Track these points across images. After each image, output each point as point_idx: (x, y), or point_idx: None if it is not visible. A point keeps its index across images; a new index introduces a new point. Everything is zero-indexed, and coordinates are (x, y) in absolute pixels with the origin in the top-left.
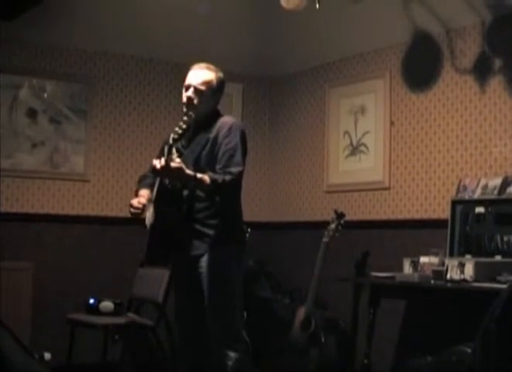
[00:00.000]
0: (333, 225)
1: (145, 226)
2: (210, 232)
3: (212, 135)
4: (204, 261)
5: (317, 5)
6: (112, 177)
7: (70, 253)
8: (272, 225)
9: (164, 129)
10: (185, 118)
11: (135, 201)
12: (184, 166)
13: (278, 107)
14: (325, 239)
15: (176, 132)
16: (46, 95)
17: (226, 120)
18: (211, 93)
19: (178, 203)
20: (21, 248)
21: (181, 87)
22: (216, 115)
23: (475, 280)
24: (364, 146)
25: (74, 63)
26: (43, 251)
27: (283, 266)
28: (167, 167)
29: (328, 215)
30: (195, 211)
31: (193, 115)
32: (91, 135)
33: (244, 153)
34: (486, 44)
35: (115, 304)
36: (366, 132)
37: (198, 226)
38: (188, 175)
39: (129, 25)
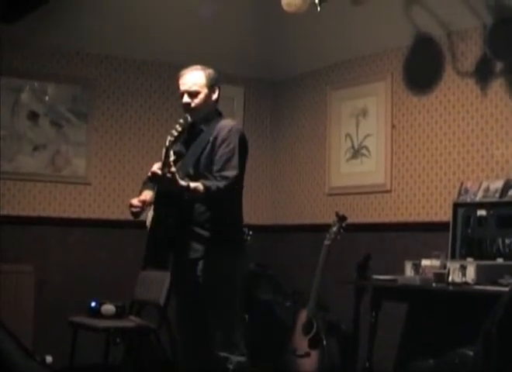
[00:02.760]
0: (334, 228)
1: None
2: (209, 235)
3: (211, 137)
4: (203, 264)
5: (318, 8)
6: (113, 180)
7: (72, 256)
8: (274, 227)
9: (166, 131)
10: (181, 120)
11: (134, 200)
12: (177, 176)
13: (280, 110)
14: (327, 242)
15: (172, 135)
16: (47, 98)
17: (225, 123)
18: (205, 94)
19: (176, 205)
20: (22, 251)
21: None
22: (217, 116)
23: (477, 283)
24: (366, 148)
25: (76, 66)
26: (44, 254)
27: (285, 269)
28: (162, 176)
29: (330, 218)
30: (194, 214)
31: (189, 118)
32: (93, 138)
33: (243, 157)
34: (487, 47)
35: (117, 307)
36: (368, 135)
37: (196, 229)
38: (180, 186)
39: (131, 29)
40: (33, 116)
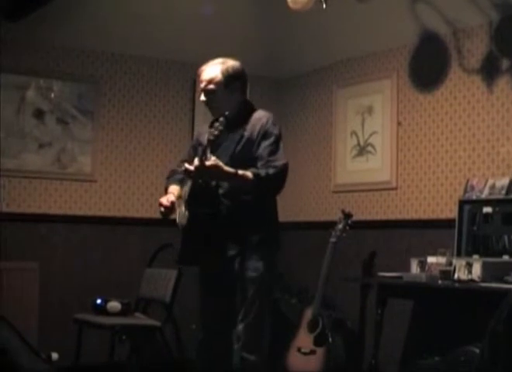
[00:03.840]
0: (340, 226)
1: (175, 225)
2: (247, 234)
3: (246, 133)
4: (239, 263)
5: (324, 6)
6: (119, 178)
7: (78, 254)
8: (279, 225)
9: (172, 129)
10: (221, 118)
11: (164, 200)
12: (220, 163)
13: (286, 107)
14: (332, 239)
15: (212, 134)
16: (53, 96)
17: (259, 115)
18: (223, 88)
19: (212, 203)
20: (28, 248)
21: (189, 87)
22: (248, 109)
23: (483, 280)
24: (372, 146)
25: (81, 63)
26: (49, 251)
27: (290, 267)
28: (202, 166)
29: (335, 215)
30: (230, 211)
31: (229, 115)
32: (99, 135)
33: (283, 145)
34: (493, 44)
35: (123, 305)
36: (373, 133)
37: (234, 228)
38: (227, 172)
39: (136, 26)
40: (39, 114)
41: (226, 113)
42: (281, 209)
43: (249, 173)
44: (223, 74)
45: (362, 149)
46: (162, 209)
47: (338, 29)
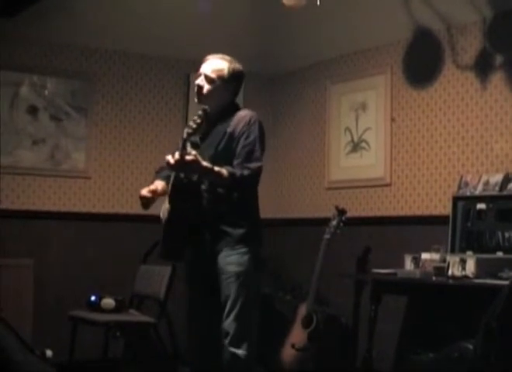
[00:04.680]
0: (334, 222)
1: (160, 221)
2: (227, 228)
3: (229, 129)
4: (222, 258)
5: (318, 2)
6: (113, 174)
7: (72, 250)
8: (273, 221)
9: (166, 125)
10: (200, 112)
11: (144, 191)
12: (199, 158)
13: (279, 104)
14: (326, 236)
15: (190, 127)
16: (46, 92)
17: (244, 113)
18: (222, 82)
19: (194, 198)
20: (22, 245)
21: (182, 83)
22: (234, 107)
23: (477, 277)
24: (366, 142)
25: (75, 60)
26: (44, 248)
27: (284, 263)
28: (181, 160)
29: (329, 212)
30: (212, 207)
31: (208, 109)
32: (92, 132)
33: (263, 148)
34: (486, 41)
35: (117, 301)
36: (367, 129)
37: (216, 223)
38: (204, 167)
39: (130, 22)
40: (33, 110)
41: (206, 107)
42: (276, 206)
43: (225, 171)
44: (228, 70)
45: (356, 146)
46: (143, 200)
47: (332, 25)
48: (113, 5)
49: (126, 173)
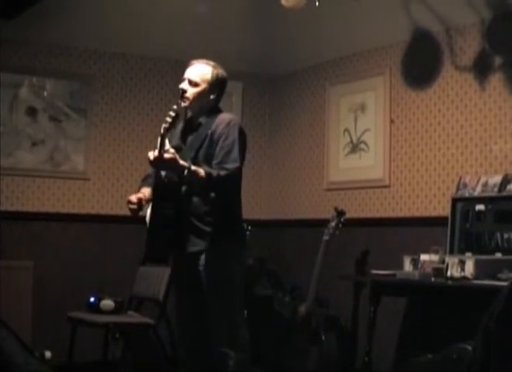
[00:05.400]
0: (333, 223)
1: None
2: (209, 228)
3: (210, 131)
4: (203, 259)
5: (317, 3)
6: (112, 176)
7: (71, 252)
8: (272, 223)
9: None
10: (175, 106)
11: (132, 197)
12: (177, 156)
13: (278, 105)
14: (325, 237)
15: (166, 121)
16: (46, 94)
17: (224, 116)
18: (206, 87)
19: (175, 198)
20: (21, 247)
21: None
22: (216, 111)
23: (476, 278)
24: (365, 143)
25: (74, 61)
26: (43, 250)
27: (283, 264)
28: (160, 157)
29: (328, 213)
30: (193, 207)
31: (183, 103)
32: (92, 133)
33: (242, 150)
34: (485, 42)
35: (116, 303)
36: (366, 130)
37: (196, 223)
38: (181, 165)
39: (130, 24)
40: (32, 112)
41: (180, 101)
42: (275, 207)
43: (202, 171)
44: (212, 75)
45: (355, 147)
46: (130, 206)
47: (331, 27)
48: (112, 6)
49: (125, 174)
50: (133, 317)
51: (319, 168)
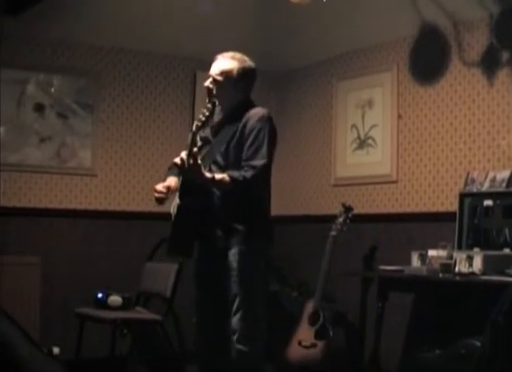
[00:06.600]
0: (340, 219)
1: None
2: (239, 226)
3: (241, 124)
4: (232, 255)
5: None
6: (119, 172)
7: (78, 248)
8: (280, 218)
9: (172, 123)
10: (208, 105)
11: (159, 186)
12: (202, 169)
13: (285, 101)
14: (333, 233)
15: (199, 120)
16: (53, 90)
17: (255, 111)
18: (230, 83)
19: (203, 194)
20: (29, 243)
21: (189, 81)
22: (247, 105)
23: (484, 274)
24: (372, 139)
25: (81, 57)
26: (50, 246)
27: (291, 260)
28: (187, 168)
29: (336, 209)
30: (221, 203)
31: (216, 102)
32: (99, 129)
33: (272, 146)
34: (493, 37)
35: (124, 299)
36: (374, 126)
37: (225, 219)
38: (205, 179)
39: (136, 20)
40: (39, 108)
41: (215, 100)
42: (282, 203)
43: (227, 178)
44: (237, 71)
45: (362, 143)
46: (157, 195)
47: (338, 22)
48: (119, 2)
49: (132, 170)
50: (140, 313)
51: (326, 164)
